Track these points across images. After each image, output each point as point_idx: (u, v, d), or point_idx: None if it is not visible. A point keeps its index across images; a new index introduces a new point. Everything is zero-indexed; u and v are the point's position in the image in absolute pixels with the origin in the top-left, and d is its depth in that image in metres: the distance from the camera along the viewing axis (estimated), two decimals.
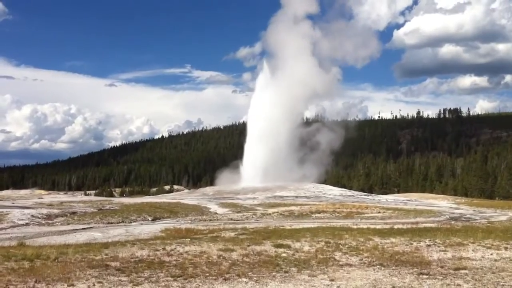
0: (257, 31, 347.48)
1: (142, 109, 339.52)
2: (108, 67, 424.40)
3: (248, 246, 12.48)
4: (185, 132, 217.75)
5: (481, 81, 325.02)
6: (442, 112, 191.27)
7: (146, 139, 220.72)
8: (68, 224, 25.12)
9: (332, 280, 9.38)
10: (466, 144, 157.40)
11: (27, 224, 24.16)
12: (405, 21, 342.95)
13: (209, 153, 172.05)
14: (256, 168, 71.79)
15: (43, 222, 25.45)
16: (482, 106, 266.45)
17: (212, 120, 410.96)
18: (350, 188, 79.55)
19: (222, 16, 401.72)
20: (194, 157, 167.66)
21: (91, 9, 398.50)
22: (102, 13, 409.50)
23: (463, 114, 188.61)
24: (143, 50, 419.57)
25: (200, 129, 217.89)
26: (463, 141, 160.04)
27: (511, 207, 43.29)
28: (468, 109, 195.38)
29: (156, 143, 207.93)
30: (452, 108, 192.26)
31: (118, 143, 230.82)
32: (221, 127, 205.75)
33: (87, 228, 22.91)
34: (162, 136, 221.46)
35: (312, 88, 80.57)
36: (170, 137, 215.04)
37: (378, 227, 19.71)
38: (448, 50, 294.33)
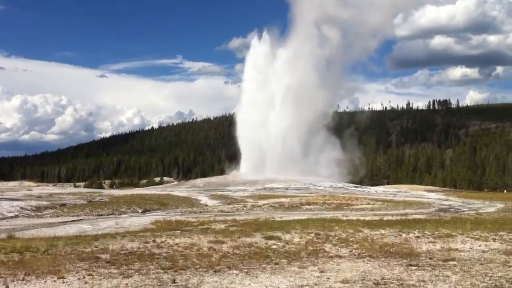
0: (249, 22, 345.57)
1: (133, 100, 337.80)
2: (99, 57, 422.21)
3: (239, 238, 12.50)
4: (175, 124, 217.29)
5: (472, 72, 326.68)
6: (431, 103, 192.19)
7: (136, 131, 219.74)
8: (58, 216, 25.02)
9: (322, 271, 9.42)
10: (455, 135, 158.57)
11: (16, 216, 24.04)
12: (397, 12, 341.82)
13: (199, 144, 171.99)
14: (255, 159, 71.05)
15: (33, 214, 25.34)
16: (472, 97, 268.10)
17: (204, 111, 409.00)
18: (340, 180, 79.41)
19: (214, 6, 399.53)
20: (184, 149, 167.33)
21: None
22: (93, 3, 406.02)
23: (452, 106, 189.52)
24: (134, 40, 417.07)
25: (191, 120, 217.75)
26: (452, 133, 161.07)
27: (499, 198, 43.73)
28: (458, 100, 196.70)
29: (146, 134, 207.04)
30: (441, 100, 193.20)
31: (108, 134, 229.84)
32: (212, 118, 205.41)
33: (77, 220, 22.83)
34: (152, 128, 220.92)
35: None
36: (160, 128, 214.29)
37: (367, 218, 19.83)
38: (439, 42, 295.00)
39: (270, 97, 75.69)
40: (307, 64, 75.84)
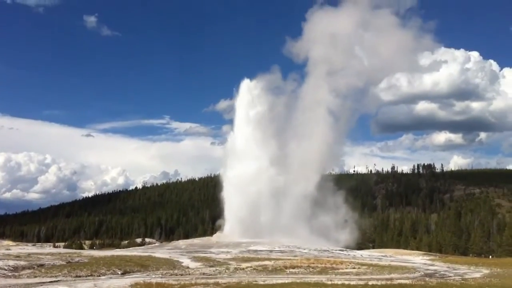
0: (237, 84, 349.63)
1: (118, 159, 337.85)
2: (86, 117, 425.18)
3: None
4: (160, 184, 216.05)
5: (456, 138, 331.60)
6: (416, 167, 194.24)
7: (119, 190, 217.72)
8: (35, 276, 24.37)
9: None
10: (440, 200, 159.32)
11: None
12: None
13: (183, 205, 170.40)
14: (240, 222, 68.48)
15: (9, 274, 24.66)
16: (456, 162, 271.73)
17: (189, 172, 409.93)
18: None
19: (202, 67, 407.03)
20: (168, 209, 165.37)
21: (69, 59, 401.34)
22: (81, 63, 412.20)
23: (437, 170, 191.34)
24: (121, 100, 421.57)
25: (175, 180, 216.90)
26: (437, 197, 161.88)
27: (485, 263, 43.49)
28: (442, 165, 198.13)
29: (129, 195, 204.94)
30: (426, 164, 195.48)
31: (91, 194, 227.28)
32: (196, 179, 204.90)
33: (55, 281, 22.24)
34: (136, 188, 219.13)
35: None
36: (144, 188, 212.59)
37: (352, 283, 19.53)
38: (423, 107, 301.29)
39: (265, 156, 73.54)
40: (312, 120, 76.26)
